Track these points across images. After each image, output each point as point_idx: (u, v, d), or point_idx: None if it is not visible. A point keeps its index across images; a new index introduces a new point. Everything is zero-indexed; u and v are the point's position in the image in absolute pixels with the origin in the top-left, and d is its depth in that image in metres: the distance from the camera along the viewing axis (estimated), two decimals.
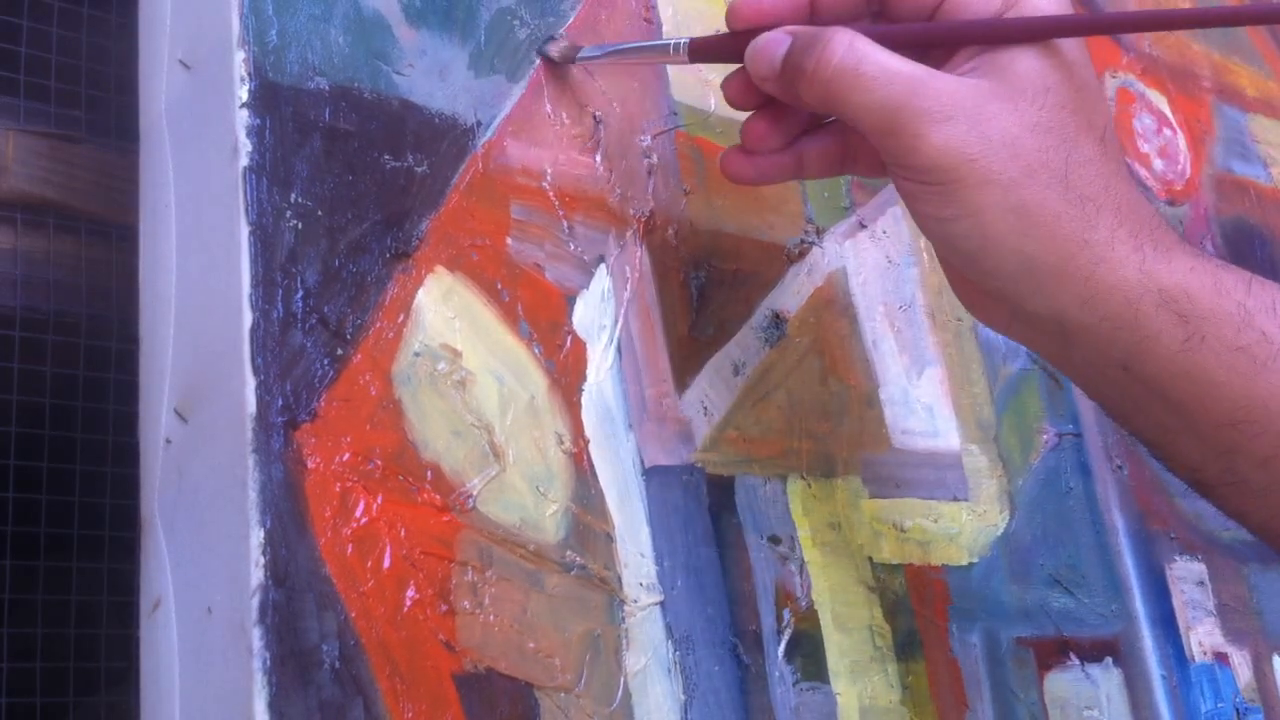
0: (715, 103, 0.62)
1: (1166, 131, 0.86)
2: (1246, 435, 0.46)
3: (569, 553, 0.50)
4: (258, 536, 0.42)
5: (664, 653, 0.51)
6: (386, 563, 0.45)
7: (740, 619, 0.54)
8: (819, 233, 0.64)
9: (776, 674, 0.54)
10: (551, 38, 0.56)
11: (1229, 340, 0.46)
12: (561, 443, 0.51)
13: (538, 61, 0.56)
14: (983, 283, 0.49)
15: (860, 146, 0.54)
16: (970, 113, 0.46)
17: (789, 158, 0.54)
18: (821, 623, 0.56)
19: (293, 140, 0.48)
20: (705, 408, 0.56)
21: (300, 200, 0.47)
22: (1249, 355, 0.46)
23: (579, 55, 0.56)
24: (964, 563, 0.63)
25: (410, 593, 0.45)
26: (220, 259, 0.46)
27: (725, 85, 0.53)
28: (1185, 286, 0.46)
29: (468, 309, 0.50)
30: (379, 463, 0.46)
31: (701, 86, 0.62)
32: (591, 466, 0.52)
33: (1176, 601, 0.71)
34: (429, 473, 0.47)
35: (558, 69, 0.56)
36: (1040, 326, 0.49)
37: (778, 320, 0.60)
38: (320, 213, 0.48)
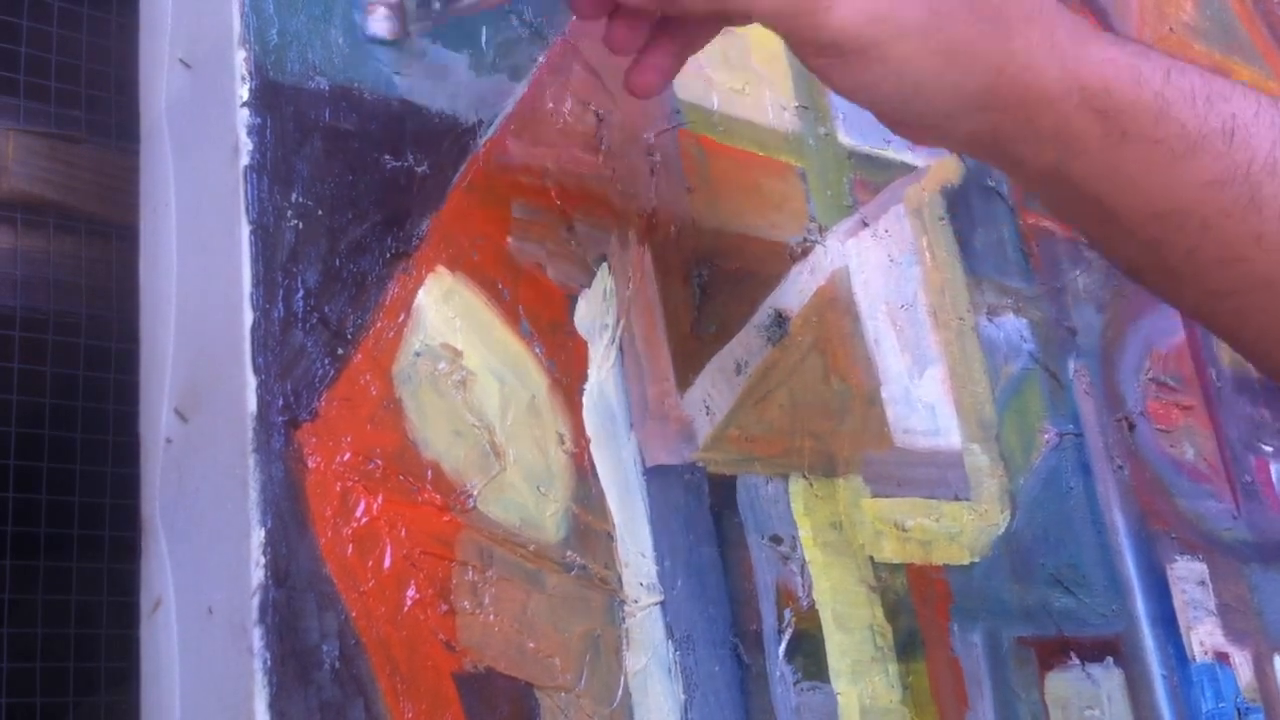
0: (718, 101, 0.62)
1: None
2: (1170, 228, 0.47)
3: (569, 552, 0.50)
4: (258, 536, 0.42)
5: (664, 652, 0.51)
6: (387, 562, 0.45)
7: (741, 619, 0.54)
8: (821, 231, 0.64)
9: (777, 674, 0.54)
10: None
11: (1148, 134, 0.47)
12: (562, 442, 0.51)
13: (539, 60, 0.56)
14: (917, 123, 0.49)
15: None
16: None
17: (666, 53, 0.52)
18: (823, 622, 0.56)
19: (293, 140, 0.48)
20: (707, 407, 0.56)
21: (301, 200, 0.47)
22: (1167, 148, 0.47)
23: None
24: (965, 562, 0.62)
25: (411, 592, 0.45)
26: (221, 259, 0.46)
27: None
28: (1104, 80, 0.47)
29: (469, 308, 0.50)
30: (380, 462, 0.46)
31: (704, 85, 0.62)
32: (592, 466, 0.52)
33: (1177, 601, 0.71)
34: (429, 472, 0.47)
35: (558, 68, 0.56)
36: (974, 144, 0.50)
37: (780, 319, 0.60)
38: (321, 212, 0.48)
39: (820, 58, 0.47)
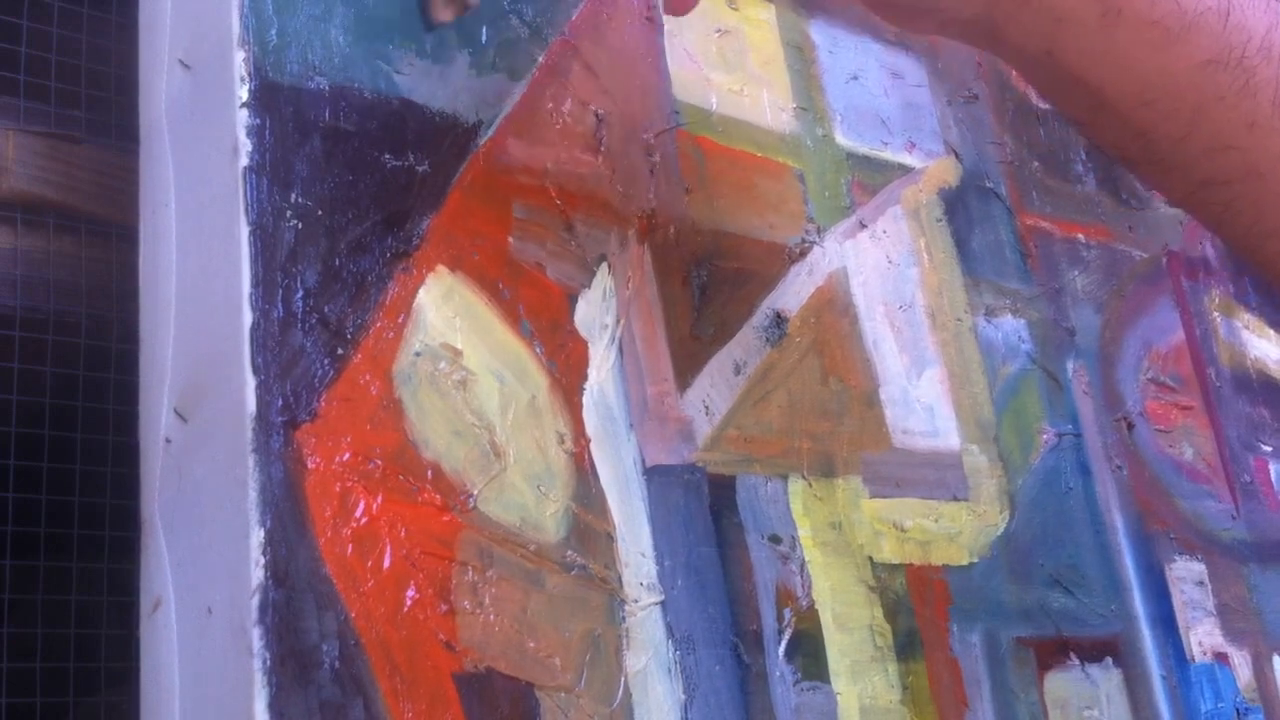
0: (717, 102, 0.62)
1: None
2: (1160, 114, 0.47)
3: (569, 552, 0.50)
4: (258, 536, 0.42)
5: (664, 652, 0.51)
6: (387, 562, 0.45)
7: (741, 619, 0.54)
8: (820, 232, 0.64)
9: (777, 673, 0.54)
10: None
11: (1143, 13, 0.46)
12: (562, 442, 0.51)
13: (540, 59, 0.56)
14: (910, 4, 0.49)
15: None
16: None
17: None
18: (822, 622, 0.56)
19: (293, 140, 0.48)
20: (706, 407, 0.56)
21: (300, 200, 0.47)
22: (1162, 28, 0.46)
23: None
24: (964, 562, 0.62)
25: (410, 592, 0.45)
26: (220, 259, 0.46)
27: None
28: None
29: (469, 308, 0.50)
30: (379, 462, 0.46)
31: (703, 86, 0.62)
32: (592, 466, 0.52)
33: (1176, 601, 0.71)
34: (429, 472, 0.47)
35: (558, 68, 0.56)
36: (969, 28, 0.50)
37: (779, 320, 0.60)
38: (320, 212, 0.48)
39: None
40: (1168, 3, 0.46)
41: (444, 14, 0.53)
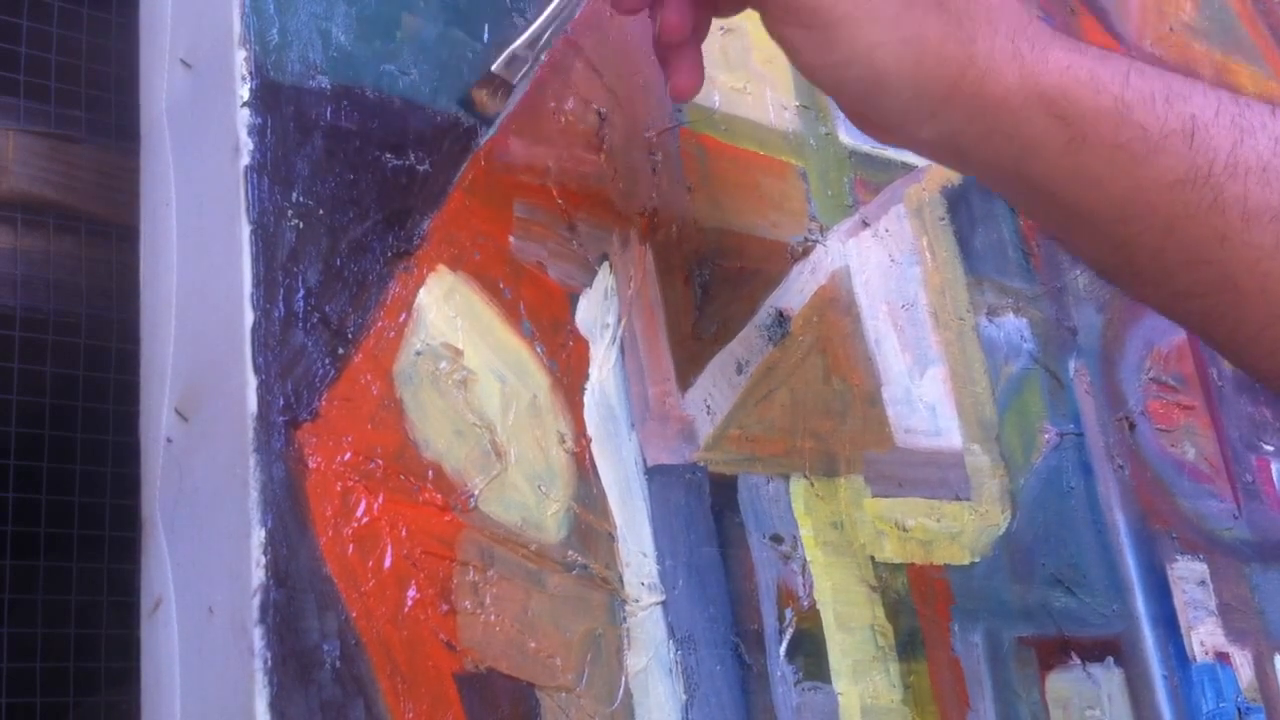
0: (719, 100, 0.62)
1: None
2: (1135, 229, 0.48)
3: (570, 552, 0.50)
4: (259, 536, 0.42)
5: (665, 652, 0.51)
6: (388, 562, 0.45)
7: (742, 618, 0.54)
8: (822, 231, 0.64)
9: (778, 673, 0.54)
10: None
11: (1108, 139, 0.47)
12: (563, 442, 0.51)
13: (541, 58, 0.56)
14: (878, 118, 0.50)
15: None
16: None
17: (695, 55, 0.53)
18: (823, 622, 0.56)
19: (294, 139, 0.48)
20: (708, 406, 0.56)
21: (301, 199, 0.47)
22: (1128, 152, 0.47)
23: (518, 51, 0.52)
24: (966, 562, 0.62)
25: (411, 592, 0.45)
26: (221, 258, 0.46)
27: None
28: (1063, 87, 0.47)
29: (469, 308, 0.50)
30: (380, 462, 0.46)
31: (705, 84, 0.62)
32: (593, 465, 0.52)
33: (1178, 601, 0.71)
34: (430, 472, 0.47)
35: (559, 67, 0.56)
36: (936, 146, 0.50)
37: (781, 318, 0.60)
38: (322, 212, 0.47)
39: (789, 25, 0.48)
40: (1132, 128, 0.47)
41: (492, 106, 0.53)
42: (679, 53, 0.52)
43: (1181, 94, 0.47)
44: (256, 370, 0.44)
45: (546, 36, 0.52)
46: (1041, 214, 0.52)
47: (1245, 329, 0.48)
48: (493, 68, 0.52)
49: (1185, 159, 0.46)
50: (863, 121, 0.51)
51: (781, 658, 0.54)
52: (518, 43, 0.51)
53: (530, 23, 0.52)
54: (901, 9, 0.46)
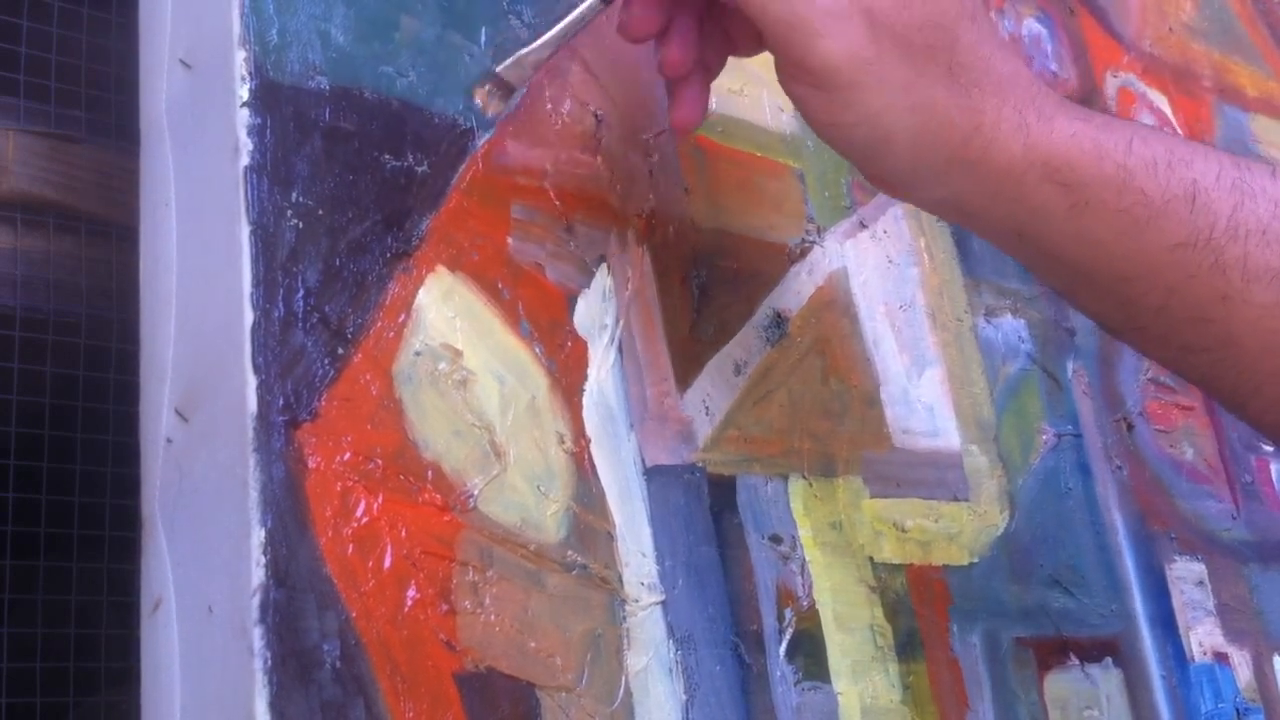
0: (716, 102, 0.62)
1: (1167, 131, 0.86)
2: (1138, 290, 0.49)
3: (570, 552, 0.50)
4: (259, 536, 0.42)
5: (665, 652, 0.51)
6: (387, 562, 0.45)
7: (742, 619, 0.54)
8: (820, 232, 0.64)
9: (778, 673, 0.54)
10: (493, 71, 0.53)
11: (1111, 204, 0.48)
12: (562, 442, 0.51)
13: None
14: (883, 177, 0.51)
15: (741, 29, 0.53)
16: (863, 12, 0.47)
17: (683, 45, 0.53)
18: (823, 622, 0.56)
19: (293, 140, 0.48)
20: (706, 407, 0.56)
21: (301, 200, 0.47)
22: (1130, 217, 0.48)
23: (527, 58, 0.52)
24: (964, 563, 0.62)
25: (411, 592, 0.45)
26: (221, 258, 0.46)
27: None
28: (1067, 156, 0.48)
29: (468, 308, 0.50)
30: (380, 462, 0.46)
31: None
32: (592, 466, 0.52)
33: (1176, 601, 0.71)
34: (430, 472, 0.47)
35: (557, 69, 0.56)
36: (943, 206, 0.52)
37: (779, 319, 0.60)
38: (321, 212, 0.48)
39: (801, 84, 0.49)
40: (1134, 194, 0.48)
41: (492, 107, 0.53)
42: (685, 84, 0.53)
43: (1184, 159, 0.48)
44: (256, 370, 0.44)
45: (559, 46, 0.52)
46: (1047, 274, 0.53)
47: (1248, 384, 0.50)
48: (498, 69, 0.52)
49: (1187, 223, 0.48)
50: (873, 179, 0.52)
51: (781, 658, 0.54)
52: (530, 48, 0.51)
53: (539, 30, 0.52)
54: (912, 76, 0.47)
